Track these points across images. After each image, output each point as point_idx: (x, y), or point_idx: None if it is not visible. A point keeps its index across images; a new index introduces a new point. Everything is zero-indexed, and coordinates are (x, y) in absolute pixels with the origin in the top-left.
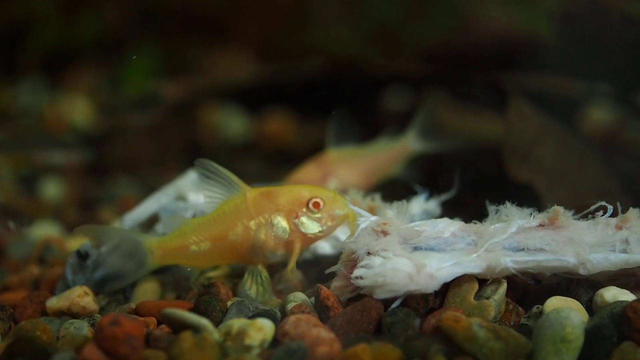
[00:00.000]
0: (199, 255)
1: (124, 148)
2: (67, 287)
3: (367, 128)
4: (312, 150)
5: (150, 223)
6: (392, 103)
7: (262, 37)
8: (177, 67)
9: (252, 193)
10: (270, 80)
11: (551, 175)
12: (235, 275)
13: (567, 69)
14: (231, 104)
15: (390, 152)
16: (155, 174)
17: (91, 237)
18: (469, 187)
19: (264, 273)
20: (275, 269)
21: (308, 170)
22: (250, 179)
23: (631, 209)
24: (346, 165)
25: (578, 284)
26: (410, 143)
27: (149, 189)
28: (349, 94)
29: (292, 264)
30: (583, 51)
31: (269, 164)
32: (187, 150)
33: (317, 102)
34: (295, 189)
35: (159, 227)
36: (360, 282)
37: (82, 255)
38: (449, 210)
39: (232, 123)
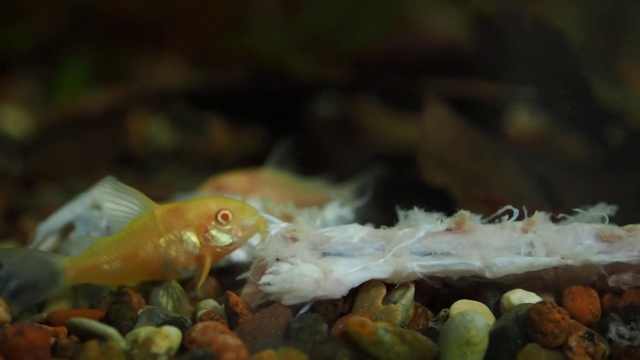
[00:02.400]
0: (112, 274)
1: (52, 156)
2: None
3: (296, 134)
4: (243, 157)
5: (65, 232)
6: (321, 109)
7: (197, 43)
8: (112, 75)
9: (159, 210)
10: (202, 88)
11: (466, 180)
12: (148, 284)
13: (495, 74)
14: (162, 112)
15: (321, 196)
16: (84, 182)
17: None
18: (386, 192)
19: (178, 287)
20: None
21: (238, 179)
22: (180, 187)
23: (537, 212)
24: (275, 188)
25: (486, 287)
26: (343, 197)
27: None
28: (279, 101)
29: (201, 280)
30: (509, 57)
31: (199, 171)
32: (117, 158)
33: (247, 110)
34: (203, 202)
35: (73, 237)
36: (269, 289)
37: None
38: (366, 216)
39: (163, 130)
